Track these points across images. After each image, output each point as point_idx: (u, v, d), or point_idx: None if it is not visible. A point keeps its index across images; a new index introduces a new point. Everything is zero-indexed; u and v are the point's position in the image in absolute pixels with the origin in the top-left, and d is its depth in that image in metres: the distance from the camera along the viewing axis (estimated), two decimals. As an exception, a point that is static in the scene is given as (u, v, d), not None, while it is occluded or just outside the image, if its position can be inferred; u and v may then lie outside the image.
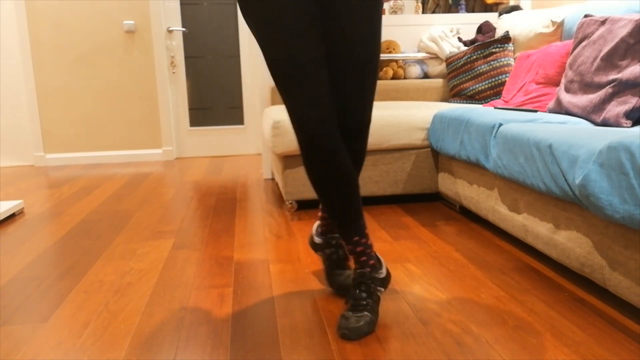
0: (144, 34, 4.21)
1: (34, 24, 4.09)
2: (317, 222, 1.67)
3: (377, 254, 1.45)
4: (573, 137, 1.45)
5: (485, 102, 2.94)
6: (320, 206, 1.62)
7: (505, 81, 2.86)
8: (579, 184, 1.33)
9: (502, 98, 2.74)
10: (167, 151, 4.39)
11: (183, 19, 4.33)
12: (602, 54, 1.97)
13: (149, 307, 1.48)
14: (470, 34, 3.45)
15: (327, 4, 1.31)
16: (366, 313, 1.31)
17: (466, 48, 3.10)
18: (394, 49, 3.36)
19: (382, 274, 1.41)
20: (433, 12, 3.85)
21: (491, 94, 2.90)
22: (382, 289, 1.41)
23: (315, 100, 1.25)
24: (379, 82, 3.29)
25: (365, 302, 1.33)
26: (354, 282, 1.38)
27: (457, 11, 3.77)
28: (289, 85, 1.25)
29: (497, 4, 3.75)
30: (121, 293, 1.59)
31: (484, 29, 3.19)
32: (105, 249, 2.02)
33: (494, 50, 2.92)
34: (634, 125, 1.87)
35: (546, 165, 1.53)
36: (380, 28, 1.39)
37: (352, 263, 1.62)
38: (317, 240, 1.65)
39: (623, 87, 1.86)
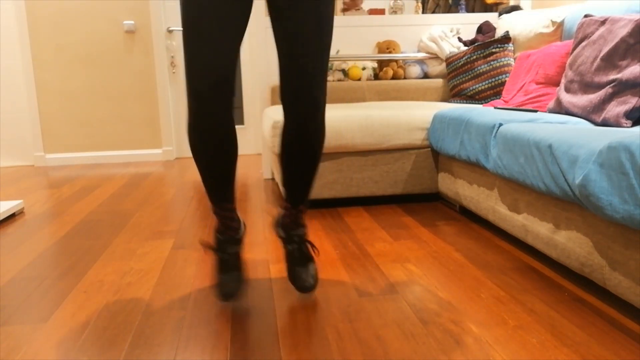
0: (144, 34, 4.21)
1: (34, 24, 4.09)
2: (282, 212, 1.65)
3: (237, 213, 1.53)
4: (573, 137, 1.45)
5: (485, 102, 2.94)
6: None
7: (505, 81, 2.86)
8: (579, 184, 1.33)
9: (502, 98, 2.74)
10: (167, 151, 4.39)
11: (183, 19, 4.32)
12: (602, 54, 1.97)
13: (149, 307, 1.48)
14: (470, 34, 3.46)
15: None
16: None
17: (466, 48, 3.10)
18: (394, 49, 3.36)
19: (241, 233, 1.55)
20: (433, 12, 3.85)
21: (491, 94, 2.90)
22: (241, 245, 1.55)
23: (218, 50, 1.25)
24: (379, 82, 3.29)
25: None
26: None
27: (457, 11, 3.77)
28: (198, 36, 1.25)
29: (497, 4, 3.75)
30: (121, 293, 1.59)
31: (484, 29, 3.19)
32: (105, 249, 2.02)
33: (494, 50, 2.92)
34: (634, 125, 1.87)
35: (546, 165, 1.53)
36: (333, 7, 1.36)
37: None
38: (280, 232, 1.62)
39: (623, 87, 1.86)
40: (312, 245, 1.56)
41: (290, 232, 1.55)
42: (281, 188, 1.60)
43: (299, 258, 1.54)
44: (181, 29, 1.30)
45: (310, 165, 1.46)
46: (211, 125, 1.31)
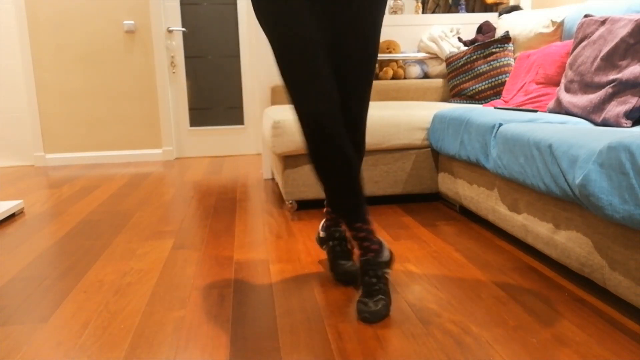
0: (144, 34, 4.21)
1: (34, 24, 4.09)
2: (323, 219, 1.73)
3: (379, 238, 1.49)
4: (573, 137, 1.45)
5: (485, 102, 2.94)
6: (325, 202, 1.67)
7: (505, 81, 2.86)
8: (579, 184, 1.33)
9: (502, 98, 2.74)
10: (167, 151, 4.39)
11: (183, 19, 4.33)
12: (602, 54, 1.97)
13: (149, 307, 1.48)
14: (470, 34, 3.45)
15: (337, 4, 1.37)
16: (381, 296, 1.37)
17: (466, 48, 3.10)
18: (394, 49, 3.36)
19: (386, 256, 1.47)
20: (433, 12, 3.85)
21: (491, 94, 2.90)
22: (389, 270, 1.48)
23: (321, 93, 1.30)
24: (379, 82, 3.29)
25: (377, 287, 1.39)
26: (361, 270, 1.43)
27: (457, 11, 3.77)
28: (297, 84, 1.30)
29: (497, 4, 3.75)
30: (121, 293, 1.59)
31: (484, 29, 3.19)
32: (105, 249, 2.02)
33: (494, 50, 2.92)
34: (634, 125, 1.87)
35: (546, 165, 1.53)
36: (381, 27, 1.45)
37: (355, 253, 1.65)
38: (322, 234, 1.71)
39: (623, 87, 1.86)
40: (352, 245, 1.63)
41: (331, 229, 1.66)
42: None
43: (340, 252, 1.63)
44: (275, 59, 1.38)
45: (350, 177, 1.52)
46: (330, 146, 1.33)
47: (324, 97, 1.30)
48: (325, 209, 1.69)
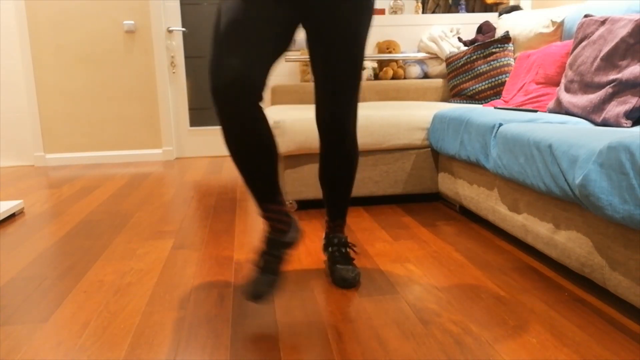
0: (144, 34, 4.21)
1: (34, 24, 4.09)
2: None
3: (292, 217, 1.47)
4: (573, 137, 1.45)
5: (485, 102, 2.94)
6: (326, 211, 1.69)
7: (505, 81, 2.86)
8: (579, 184, 1.33)
9: (502, 98, 2.74)
10: (167, 151, 4.39)
11: (183, 19, 4.33)
12: (602, 54, 1.97)
13: (149, 307, 1.48)
14: (470, 34, 3.45)
15: (314, 12, 1.36)
16: (272, 275, 1.39)
17: (466, 48, 3.10)
18: (394, 49, 3.36)
19: (291, 238, 1.45)
20: (433, 12, 3.85)
21: (491, 94, 2.90)
22: (287, 251, 1.45)
23: (243, 50, 1.25)
24: (379, 82, 3.29)
25: (272, 266, 1.40)
26: (267, 246, 1.42)
27: (457, 11, 3.77)
28: (226, 35, 1.26)
29: (497, 4, 3.75)
30: (121, 293, 1.59)
31: (484, 29, 3.19)
32: (105, 249, 2.02)
33: (494, 50, 2.92)
34: (634, 125, 1.87)
35: (546, 165, 1.53)
36: (367, 36, 1.44)
37: (359, 261, 1.65)
38: (324, 241, 1.72)
39: (623, 87, 1.86)
40: (353, 249, 1.68)
41: (330, 236, 1.67)
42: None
43: (339, 257, 1.64)
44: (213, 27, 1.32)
45: (343, 185, 1.59)
46: (234, 124, 1.28)
47: (244, 53, 1.24)
48: (325, 218, 1.70)
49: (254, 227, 2.27)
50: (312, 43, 1.42)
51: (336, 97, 1.43)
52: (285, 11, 1.32)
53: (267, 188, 1.38)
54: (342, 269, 1.59)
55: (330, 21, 1.36)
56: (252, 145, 1.31)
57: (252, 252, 1.92)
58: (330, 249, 1.66)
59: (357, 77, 1.44)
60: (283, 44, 1.35)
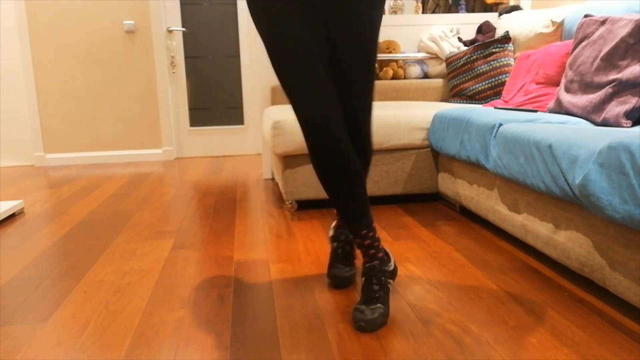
0: (144, 34, 4.21)
1: (34, 24, 4.09)
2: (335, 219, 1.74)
3: (385, 248, 1.49)
4: (573, 137, 1.45)
5: (485, 102, 2.94)
6: None
7: (505, 81, 2.86)
8: (579, 184, 1.33)
9: (502, 98, 2.74)
10: (167, 151, 4.39)
11: (183, 19, 4.33)
12: (602, 54, 1.97)
13: (149, 307, 1.48)
14: (470, 34, 3.45)
15: (329, 7, 1.35)
16: (379, 305, 1.34)
17: (466, 48, 3.10)
18: (394, 49, 3.36)
19: (391, 266, 1.47)
20: (433, 12, 3.85)
21: (491, 94, 2.90)
22: (391, 281, 1.46)
23: (318, 97, 1.28)
24: (379, 82, 3.29)
25: (377, 295, 1.37)
26: (364, 276, 1.41)
27: (457, 11, 3.77)
28: (293, 86, 1.29)
29: (497, 4, 3.75)
30: (121, 293, 1.59)
31: (484, 29, 3.19)
32: (105, 249, 2.02)
33: (494, 50, 2.92)
34: (634, 125, 1.87)
35: (546, 165, 1.53)
36: (379, 28, 1.43)
37: (359, 260, 1.65)
38: (331, 232, 1.71)
39: (623, 87, 1.86)
40: (355, 250, 1.65)
41: (338, 231, 1.65)
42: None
43: (341, 255, 1.62)
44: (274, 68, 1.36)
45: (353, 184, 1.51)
46: (332, 152, 1.32)
47: (322, 98, 1.28)
48: (335, 210, 1.68)
49: (254, 227, 2.27)
50: (326, 34, 1.40)
51: (352, 87, 1.40)
52: (311, 17, 1.33)
53: (362, 212, 1.41)
54: (342, 270, 1.60)
55: (345, 9, 1.35)
56: (346, 173, 1.35)
57: (252, 253, 1.93)
58: (335, 244, 1.65)
59: (372, 65, 1.42)
60: (326, 56, 1.37)
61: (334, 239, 1.67)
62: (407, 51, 3.48)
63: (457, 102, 3.09)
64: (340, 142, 1.31)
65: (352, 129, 1.44)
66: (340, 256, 1.63)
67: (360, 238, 1.40)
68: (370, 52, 1.40)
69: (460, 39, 3.27)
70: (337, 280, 1.58)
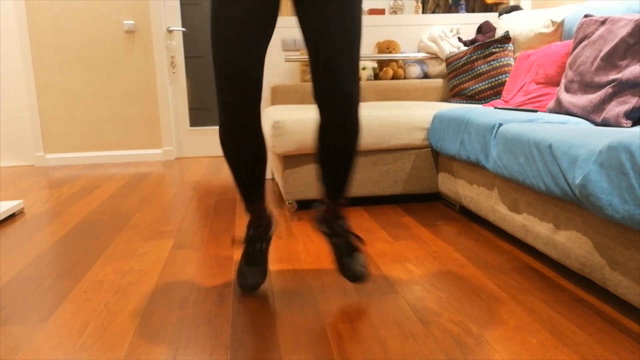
0: (144, 34, 4.21)
1: (34, 24, 4.09)
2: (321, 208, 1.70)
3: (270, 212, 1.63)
4: (573, 137, 1.45)
5: (485, 102, 2.94)
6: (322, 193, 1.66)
7: (505, 81, 2.86)
8: (579, 184, 1.33)
9: (502, 98, 2.74)
10: (167, 151, 4.39)
11: (183, 19, 4.33)
12: (602, 54, 1.97)
13: (149, 307, 1.48)
14: (470, 34, 3.46)
15: None
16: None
17: (466, 48, 3.10)
18: (394, 49, 3.36)
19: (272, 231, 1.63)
20: (433, 12, 3.85)
21: (491, 94, 2.90)
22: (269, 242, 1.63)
23: (236, 74, 1.34)
24: (379, 82, 3.29)
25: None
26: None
27: (457, 11, 3.77)
28: (223, 58, 1.35)
29: (497, 4, 3.75)
30: (121, 293, 1.59)
31: (484, 29, 3.19)
32: (105, 249, 2.02)
33: (494, 50, 2.92)
34: (634, 125, 1.87)
35: (546, 165, 1.53)
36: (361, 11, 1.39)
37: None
38: (322, 227, 1.62)
39: (623, 87, 1.86)
40: (357, 236, 1.60)
41: (333, 225, 1.58)
42: (319, 184, 1.66)
43: (346, 249, 1.57)
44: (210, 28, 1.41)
45: (346, 161, 1.48)
46: (237, 127, 1.40)
47: (238, 77, 1.33)
48: (325, 201, 1.59)
49: (254, 227, 2.27)
50: (306, 8, 1.36)
51: (337, 58, 1.33)
52: None
53: (256, 188, 1.54)
54: (351, 262, 1.54)
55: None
56: (251, 147, 1.45)
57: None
58: (335, 239, 1.56)
59: (357, 35, 1.36)
60: (269, 28, 1.39)
61: (332, 233, 1.57)
62: (407, 51, 3.48)
63: (457, 102, 3.09)
64: (251, 118, 1.40)
65: (340, 99, 1.36)
66: (345, 250, 1.56)
67: (250, 210, 1.57)
68: (354, 17, 1.34)
69: (460, 39, 3.27)
70: (356, 279, 1.53)
